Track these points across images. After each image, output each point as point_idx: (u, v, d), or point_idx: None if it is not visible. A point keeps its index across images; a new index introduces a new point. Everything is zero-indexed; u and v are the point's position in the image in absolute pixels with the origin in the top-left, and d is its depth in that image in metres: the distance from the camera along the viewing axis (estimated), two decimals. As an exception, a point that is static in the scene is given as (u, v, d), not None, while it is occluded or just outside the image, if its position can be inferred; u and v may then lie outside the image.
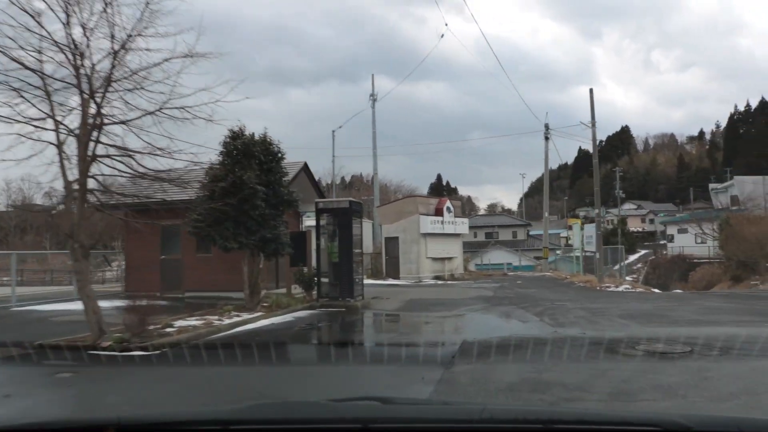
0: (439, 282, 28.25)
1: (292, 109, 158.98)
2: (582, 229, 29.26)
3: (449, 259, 31.12)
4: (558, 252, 54.15)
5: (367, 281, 29.09)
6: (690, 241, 53.78)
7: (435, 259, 30.24)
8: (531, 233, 71.75)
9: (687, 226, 55.33)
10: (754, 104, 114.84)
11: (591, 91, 24.30)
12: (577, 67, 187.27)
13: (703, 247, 50.53)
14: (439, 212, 30.28)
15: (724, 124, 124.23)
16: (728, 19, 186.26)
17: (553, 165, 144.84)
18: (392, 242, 30.35)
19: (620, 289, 22.25)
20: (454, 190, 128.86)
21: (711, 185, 65.58)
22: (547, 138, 35.33)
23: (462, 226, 32.16)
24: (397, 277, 29.89)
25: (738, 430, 1.74)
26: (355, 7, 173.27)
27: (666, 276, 52.67)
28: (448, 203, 31.09)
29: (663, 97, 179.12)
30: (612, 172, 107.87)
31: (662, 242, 70.03)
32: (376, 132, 38.49)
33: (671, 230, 60.03)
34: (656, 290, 24.61)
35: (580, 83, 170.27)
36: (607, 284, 23.29)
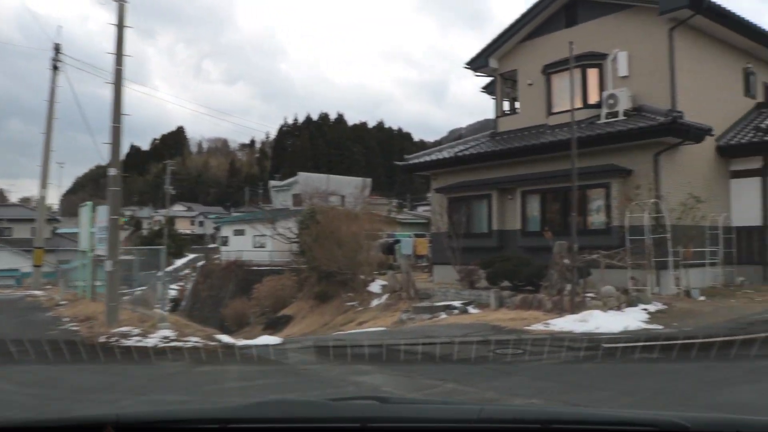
0: None
1: None
2: (93, 214, 15.81)
3: None
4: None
5: None
6: (248, 244, 44.41)
7: None
8: (60, 231, 55.70)
9: (245, 227, 45.93)
10: (301, 119, 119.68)
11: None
12: (129, 65, 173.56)
13: (262, 252, 41.64)
14: None
15: (273, 135, 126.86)
16: (271, 44, 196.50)
17: (93, 163, 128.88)
18: None
19: (151, 341, 9.76)
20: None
21: (272, 182, 57.96)
22: (55, 67, 20.99)
23: None
24: None
25: (736, 430, 1.70)
26: None
27: (221, 287, 42.14)
28: None
29: (214, 105, 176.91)
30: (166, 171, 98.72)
31: (213, 246, 61.16)
32: None
33: (227, 232, 50.11)
34: (222, 337, 12.11)
35: (131, 82, 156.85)
36: (128, 327, 10.66)
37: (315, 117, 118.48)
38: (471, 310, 14.05)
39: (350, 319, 18.70)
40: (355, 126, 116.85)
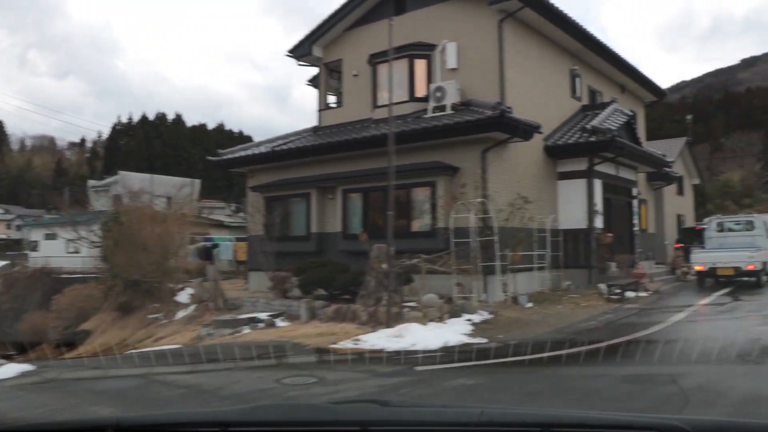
0: None
1: None
2: None
3: None
4: None
5: None
6: (60, 249, 39.55)
7: None
8: None
9: (56, 231, 40.91)
10: (136, 118, 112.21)
11: None
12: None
13: (76, 258, 37.15)
14: None
15: (106, 134, 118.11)
16: (107, 38, 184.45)
17: None
18: None
19: None
20: None
21: (90, 182, 52.61)
22: None
23: None
24: None
25: None
26: None
27: (25, 297, 37.10)
28: None
29: (41, 100, 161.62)
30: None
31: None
32: None
33: (37, 236, 44.67)
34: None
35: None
36: None
37: (152, 117, 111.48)
38: (279, 323, 12.01)
39: (150, 334, 16.02)
40: (194, 127, 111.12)
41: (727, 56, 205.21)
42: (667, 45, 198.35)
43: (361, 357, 8.52)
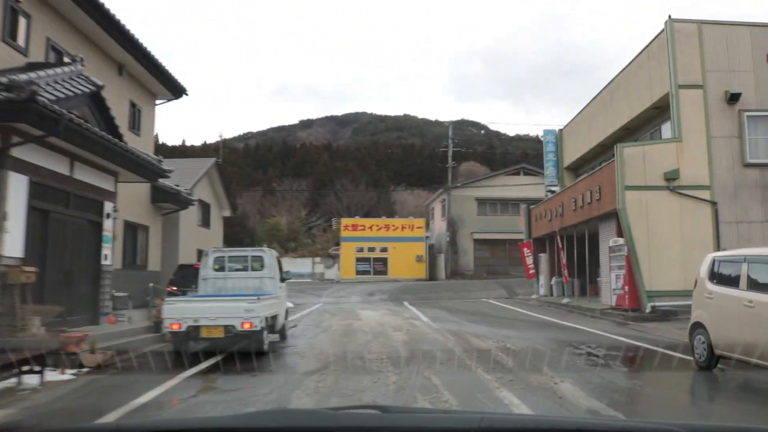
0: None
1: None
2: None
3: None
4: None
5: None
6: None
7: None
8: None
9: None
10: None
11: None
12: None
13: None
14: None
15: None
16: None
17: None
18: None
19: None
20: None
21: None
22: None
23: None
24: None
25: None
26: None
27: None
28: None
29: None
30: None
31: None
32: None
33: None
34: None
35: None
36: None
37: None
38: None
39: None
40: None
41: (290, 116, 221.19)
42: (241, 99, 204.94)
43: None
